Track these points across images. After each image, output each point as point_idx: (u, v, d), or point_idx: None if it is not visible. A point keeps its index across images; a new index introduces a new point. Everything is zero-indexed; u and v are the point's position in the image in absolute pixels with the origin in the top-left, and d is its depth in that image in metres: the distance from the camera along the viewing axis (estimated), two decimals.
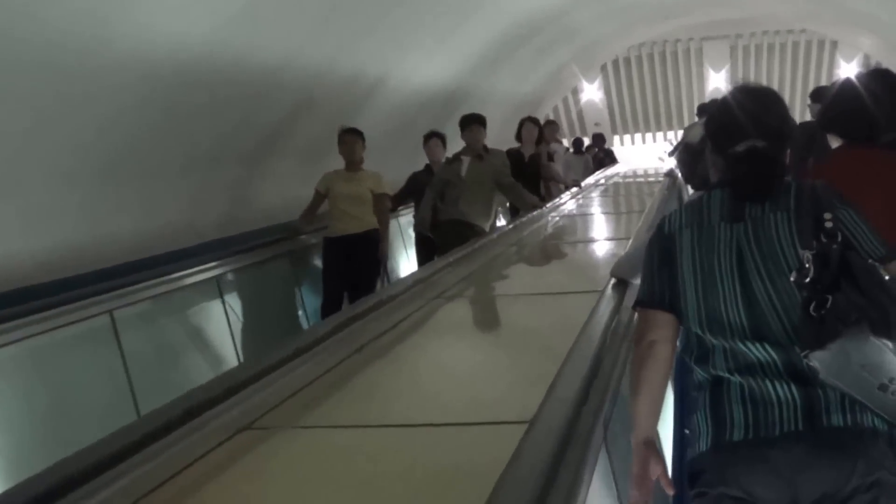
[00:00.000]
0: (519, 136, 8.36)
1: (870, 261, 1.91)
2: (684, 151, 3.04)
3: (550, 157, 8.46)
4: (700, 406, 1.93)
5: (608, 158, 14.30)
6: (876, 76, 2.86)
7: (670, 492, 1.98)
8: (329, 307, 6.22)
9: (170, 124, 5.57)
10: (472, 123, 6.79)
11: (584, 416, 1.92)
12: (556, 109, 18.80)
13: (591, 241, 6.34)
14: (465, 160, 6.70)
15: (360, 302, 3.73)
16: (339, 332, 3.16)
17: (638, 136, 19.58)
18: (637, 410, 1.99)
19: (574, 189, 8.86)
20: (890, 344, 1.82)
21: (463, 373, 2.84)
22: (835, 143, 2.92)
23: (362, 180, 6.46)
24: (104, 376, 4.49)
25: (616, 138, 19.44)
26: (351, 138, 6.49)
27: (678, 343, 2.07)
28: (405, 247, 8.50)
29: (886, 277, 1.91)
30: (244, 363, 3.22)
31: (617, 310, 2.85)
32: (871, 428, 1.83)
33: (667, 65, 18.75)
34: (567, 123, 18.90)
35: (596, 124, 18.40)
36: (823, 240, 1.88)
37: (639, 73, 18.92)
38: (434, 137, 7.43)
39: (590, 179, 10.91)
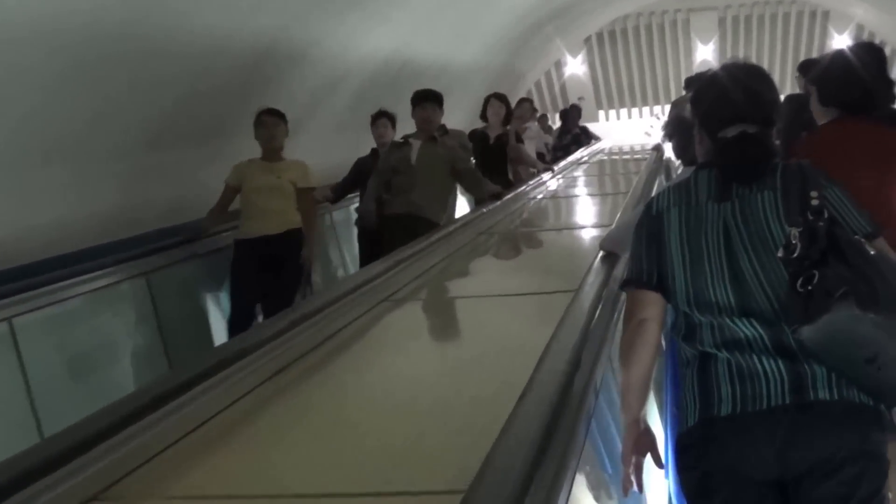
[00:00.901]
0: (484, 115, 7.84)
1: (855, 236, 2.02)
2: (678, 126, 3.10)
3: (520, 139, 7.92)
4: (687, 382, 2.04)
5: (585, 136, 13.27)
6: (864, 48, 2.98)
7: (660, 468, 2.09)
8: (238, 323, 5.37)
9: (96, 103, 5.15)
10: (424, 101, 6.10)
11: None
12: (538, 84, 18.88)
13: (572, 227, 5.87)
14: (416, 143, 6.03)
15: (280, 316, 3.13)
16: (244, 357, 2.59)
17: (623, 111, 19.72)
18: (627, 389, 2.10)
19: (546, 174, 8.35)
20: (877, 318, 1.91)
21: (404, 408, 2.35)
22: (823, 117, 3.04)
23: (283, 171, 5.64)
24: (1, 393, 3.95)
25: (601, 113, 19.56)
26: (271, 120, 5.67)
27: (667, 322, 2.18)
28: (340, 247, 7.64)
29: (872, 253, 2.02)
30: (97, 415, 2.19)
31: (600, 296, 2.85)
32: (857, 402, 1.94)
33: (653, 37, 18.88)
34: (550, 98, 19.01)
35: (580, 99, 18.48)
36: (810, 217, 1.98)
37: (624, 46, 19.04)
38: (382, 117, 6.82)
39: (571, 157, 10.94)
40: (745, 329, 1.99)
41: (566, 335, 2.34)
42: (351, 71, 8.61)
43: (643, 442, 2.08)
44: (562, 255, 4.83)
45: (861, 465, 1.91)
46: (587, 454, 1.97)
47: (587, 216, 6.67)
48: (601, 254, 3.33)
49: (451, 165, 5.98)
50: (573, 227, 5.78)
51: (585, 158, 11.02)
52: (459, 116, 10.07)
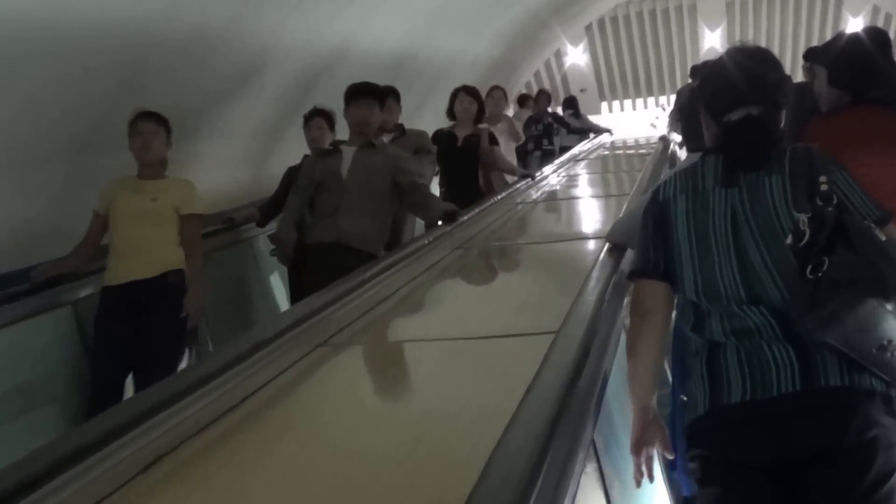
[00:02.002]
0: (451, 112, 6.99)
1: (865, 222, 2.11)
2: (684, 113, 3.16)
3: (494, 140, 7.01)
4: (697, 371, 2.14)
5: (560, 125, 11.85)
6: (870, 32, 3.09)
7: (670, 457, 2.19)
8: (102, 398, 4.07)
9: (16, 102, 4.67)
10: (358, 96, 5.08)
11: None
12: (537, 75, 18.94)
13: (565, 238, 5.06)
14: (348, 151, 4.99)
15: (166, 382, 2.55)
16: (113, 441, 2.12)
17: (628, 102, 19.78)
18: (635, 379, 2.20)
19: (523, 182, 7.36)
20: (888, 305, 2.00)
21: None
22: (831, 101, 3.13)
23: (161, 192, 4.51)
24: None
25: (604, 105, 19.63)
26: (148, 127, 4.55)
27: (674, 311, 2.27)
28: (266, 283, 6.37)
29: (883, 239, 2.12)
30: None
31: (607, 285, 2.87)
32: (868, 389, 2.03)
33: (657, 23, 18.94)
34: (551, 90, 19.07)
35: (581, 90, 18.57)
36: (819, 203, 2.07)
37: (627, 33, 19.10)
38: (317, 117, 5.81)
39: (573, 151, 10.88)
40: (755, 317, 2.08)
41: (535, 405, 1.91)
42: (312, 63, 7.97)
43: (652, 432, 2.17)
44: (551, 276, 4.13)
45: (871, 451, 1.99)
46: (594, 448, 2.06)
47: (582, 223, 6.03)
48: (594, 278, 2.98)
49: (393, 178, 4.94)
50: (566, 238, 4.98)
51: (583, 155, 10.87)
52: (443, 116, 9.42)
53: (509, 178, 7.38)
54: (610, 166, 10.18)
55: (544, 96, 12.25)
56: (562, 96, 18.53)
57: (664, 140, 9.06)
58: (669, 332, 2.30)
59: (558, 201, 7.11)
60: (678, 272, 2.19)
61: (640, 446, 2.17)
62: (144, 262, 4.40)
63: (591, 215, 6.10)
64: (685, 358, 2.22)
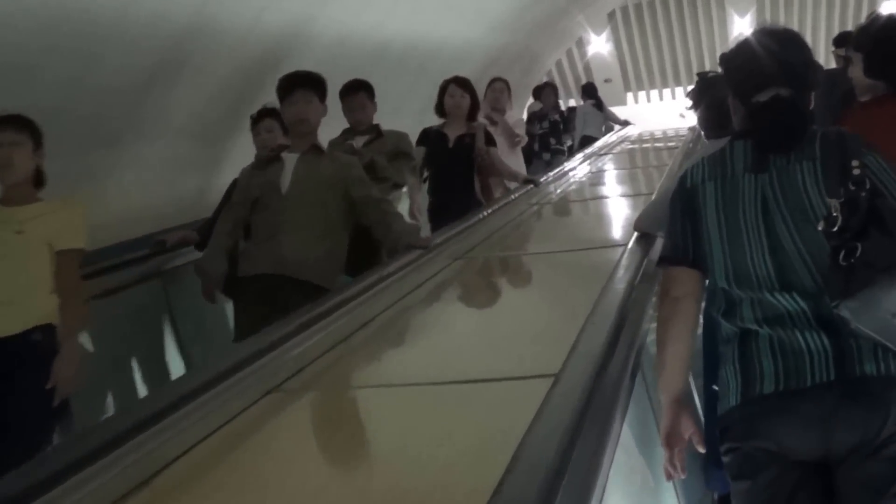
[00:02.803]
0: (440, 107, 6.31)
1: None
2: (704, 94, 3.21)
3: (491, 140, 6.35)
4: (728, 360, 2.17)
5: (565, 124, 11.10)
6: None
7: (702, 449, 2.23)
8: None
9: None
10: (292, 89, 4.25)
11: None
12: (559, 65, 18.96)
13: (581, 248, 4.58)
14: (290, 159, 4.25)
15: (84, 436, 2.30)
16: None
17: (654, 92, 19.75)
18: (665, 369, 2.24)
19: (525, 189, 6.68)
20: None
21: None
22: (867, 90, 3.15)
23: (28, 221, 3.63)
24: None
25: (629, 96, 19.61)
26: (7, 137, 3.67)
27: (704, 298, 2.31)
28: (190, 321, 5.18)
29: None
30: None
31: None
32: None
33: (684, 10, 18.89)
34: (574, 80, 19.07)
35: (606, 80, 18.55)
36: (851, 187, 2.10)
37: (652, 20, 19.06)
38: (267, 118, 5.03)
39: (597, 144, 10.70)
40: (787, 304, 2.12)
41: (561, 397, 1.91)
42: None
43: (684, 424, 2.21)
44: (561, 295, 3.76)
45: None
46: (624, 439, 2.10)
47: (603, 228, 5.65)
48: (605, 302, 2.71)
49: (343, 190, 4.20)
50: (583, 247, 4.58)
51: (605, 150, 10.65)
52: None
53: (510, 184, 6.79)
54: (637, 160, 10.05)
55: (550, 89, 11.58)
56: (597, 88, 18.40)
57: (695, 130, 9.05)
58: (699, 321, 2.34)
59: (576, 202, 6.86)
60: (708, 259, 2.23)
61: (670, 439, 2.21)
62: (3, 315, 3.50)
63: (613, 218, 5.78)
64: (716, 346, 2.25)
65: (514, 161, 7.28)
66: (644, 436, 2.41)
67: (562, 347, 2.24)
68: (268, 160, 4.35)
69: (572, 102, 14.35)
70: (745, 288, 2.17)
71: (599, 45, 19.06)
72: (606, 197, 7.15)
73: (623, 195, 6.97)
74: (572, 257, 4.40)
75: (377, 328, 3.30)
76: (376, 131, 5.59)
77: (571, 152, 10.66)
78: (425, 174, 6.26)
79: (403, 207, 5.70)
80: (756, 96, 2.24)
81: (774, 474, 2.10)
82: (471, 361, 2.81)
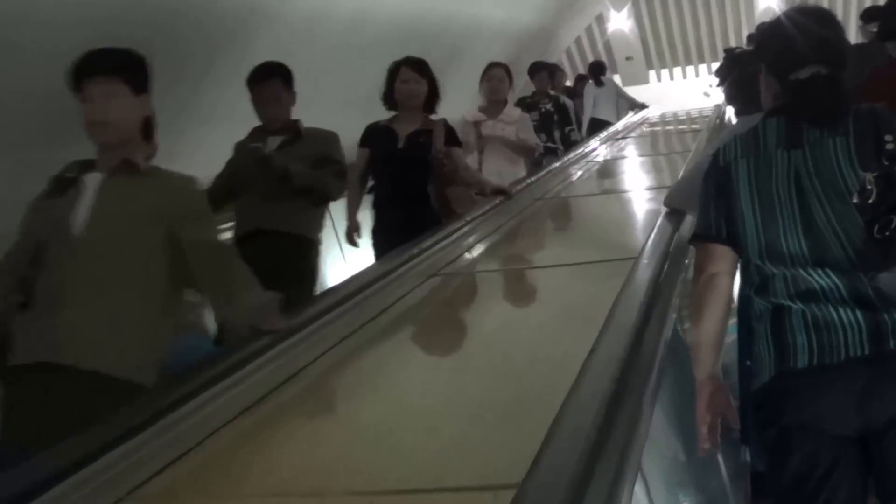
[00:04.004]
0: (389, 97, 5.26)
1: None
2: (733, 69, 3.31)
3: (453, 138, 5.26)
4: (762, 336, 2.29)
5: (561, 116, 9.35)
6: None
7: (736, 426, 2.35)
8: None
9: None
10: (89, 77, 2.91)
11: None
12: (578, 41, 18.99)
13: (583, 262, 4.12)
14: (92, 180, 2.92)
15: None
16: None
17: (678, 70, 19.77)
18: (700, 346, 2.36)
19: (493, 203, 5.46)
20: None
21: None
22: None
23: None
24: None
25: (652, 74, 19.63)
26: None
27: (738, 275, 2.43)
28: None
29: None
30: None
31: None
32: None
33: None
34: (594, 58, 19.11)
35: (627, 58, 18.59)
36: (885, 162, 2.22)
37: None
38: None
39: (616, 127, 10.38)
40: (820, 279, 2.23)
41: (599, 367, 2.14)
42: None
43: (718, 400, 2.33)
44: (551, 333, 3.26)
45: None
46: (656, 418, 2.23)
47: (612, 235, 4.89)
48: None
49: (165, 232, 2.88)
50: (586, 260, 4.14)
51: (623, 131, 10.45)
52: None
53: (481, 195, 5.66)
54: (660, 145, 9.94)
55: (545, 72, 9.83)
56: (607, 67, 18.33)
57: (718, 109, 9.11)
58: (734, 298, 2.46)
59: (583, 198, 6.40)
60: (741, 235, 2.34)
61: (705, 415, 2.32)
62: None
63: (624, 221, 5.23)
64: (750, 323, 2.37)
65: (513, 166, 6.65)
66: (678, 410, 2.53)
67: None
68: (63, 181, 3.01)
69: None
70: (778, 264, 2.28)
71: (620, 21, 19.07)
72: (616, 191, 6.74)
73: (633, 190, 6.57)
74: (562, 273, 4.05)
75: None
76: (294, 130, 4.55)
77: (568, 142, 9.83)
78: (369, 184, 5.28)
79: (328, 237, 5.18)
80: (794, 74, 2.35)
81: (811, 449, 2.21)
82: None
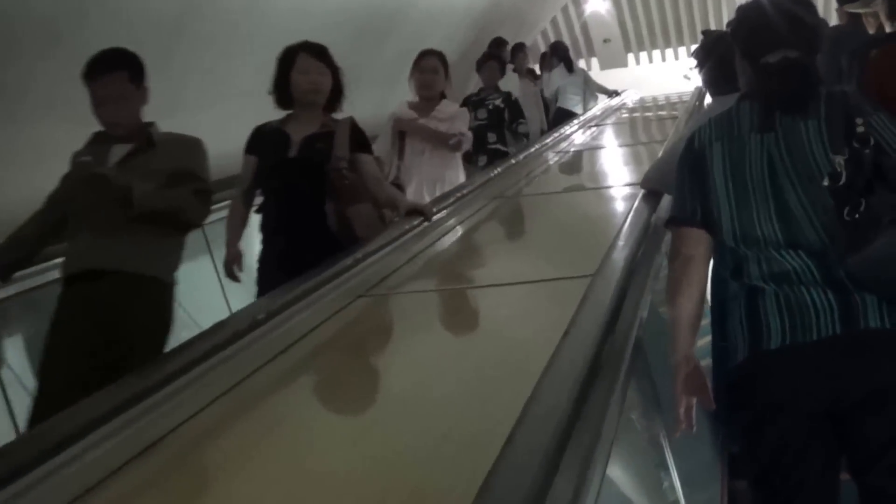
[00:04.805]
0: (281, 92, 4.38)
1: None
2: (711, 53, 3.40)
3: (361, 143, 4.40)
4: (736, 317, 2.41)
5: (512, 111, 8.02)
6: None
7: (711, 407, 2.47)
8: None
9: None
10: None
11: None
12: (554, 23, 19.03)
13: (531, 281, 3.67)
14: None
15: None
16: None
17: (657, 53, 19.87)
18: (675, 327, 2.47)
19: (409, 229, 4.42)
20: None
21: None
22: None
23: None
24: None
25: (630, 57, 19.71)
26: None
27: (713, 258, 2.55)
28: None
29: None
30: None
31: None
32: None
33: None
34: (570, 41, 19.16)
35: (605, 41, 18.67)
36: (856, 145, 2.33)
37: None
38: None
39: (587, 116, 9.95)
40: (793, 261, 2.35)
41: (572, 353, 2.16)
42: None
43: (693, 381, 2.44)
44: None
45: None
46: (633, 397, 2.34)
47: (561, 255, 4.18)
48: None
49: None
50: (535, 279, 3.70)
51: (596, 118, 10.12)
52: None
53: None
54: (638, 131, 9.74)
55: (494, 62, 8.63)
56: (584, 49, 18.24)
57: (698, 90, 9.17)
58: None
59: (548, 196, 5.92)
60: (716, 218, 2.46)
61: (681, 396, 2.44)
62: None
63: (592, 226, 4.71)
64: (724, 305, 2.49)
65: (453, 171, 5.91)
66: (653, 392, 2.64)
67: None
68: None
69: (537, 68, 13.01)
70: (751, 246, 2.40)
71: (597, 2, 19.12)
72: (591, 188, 6.28)
73: (601, 187, 6.10)
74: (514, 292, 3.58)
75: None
76: (143, 138, 3.72)
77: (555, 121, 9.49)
78: (252, 207, 4.46)
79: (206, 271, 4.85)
80: (765, 57, 2.46)
81: (784, 428, 2.34)
82: None
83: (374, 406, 2.79)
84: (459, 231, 4.91)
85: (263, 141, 4.37)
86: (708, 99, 5.42)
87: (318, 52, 4.34)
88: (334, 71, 4.37)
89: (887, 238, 2.26)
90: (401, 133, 5.85)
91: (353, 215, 4.25)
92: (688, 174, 2.53)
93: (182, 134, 3.81)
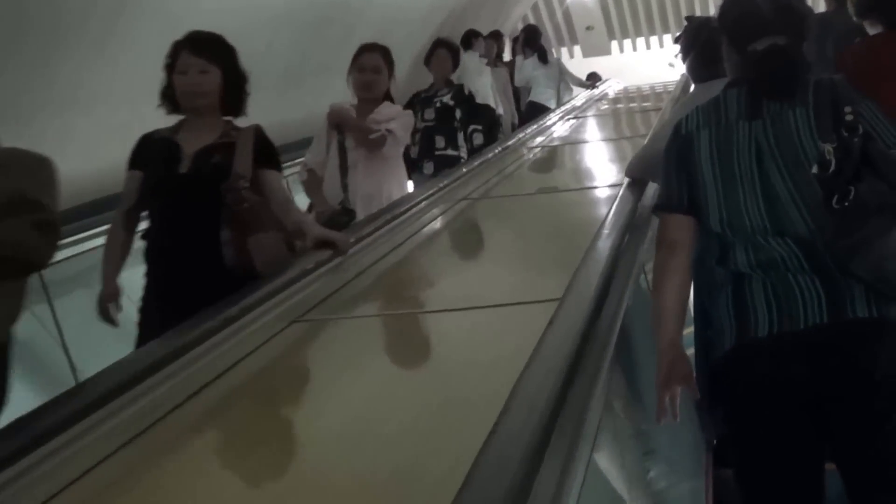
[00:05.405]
0: (168, 96, 3.74)
1: (891, 151, 2.42)
2: (696, 39, 3.43)
3: (269, 155, 3.75)
4: (722, 305, 2.46)
5: (467, 111, 6.96)
6: None
7: (696, 395, 2.51)
8: None
9: None
10: None
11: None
12: (535, 9, 19.02)
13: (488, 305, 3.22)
14: None
15: None
16: None
17: (641, 40, 19.92)
18: (662, 314, 2.51)
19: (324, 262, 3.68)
20: None
21: None
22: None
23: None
24: None
25: (614, 45, 19.74)
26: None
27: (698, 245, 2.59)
28: None
29: None
30: None
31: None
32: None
33: None
34: (552, 29, 19.19)
35: (587, 28, 18.70)
36: (844, 133, 2.38)
37: None
38: None
39: (565, 109, 9.65)
40: (780, 248, 2.40)
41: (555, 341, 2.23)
42: None
43: (678, 369, 2.48)
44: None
45: None
46: (617, 384, 2.39)
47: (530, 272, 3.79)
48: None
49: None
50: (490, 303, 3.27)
51: (576, 112, 9.72)
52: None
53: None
54: (621, 125, 9.46)
55: (444, 51, 7.20)
56: (566, 37, 18.20)
57: (683, 78, 9.18)
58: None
59: (516, 198, 5.38)
60: (702, 205, 2.50)
61: (666, 384, 2.47)
62: None
63: (566, 235, 4.23)
64: (710, 292, 2.54)
65: (392, 185, 5.17)
66: (637, 380, 2.69)
67: None
68: None
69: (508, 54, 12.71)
70: (738, 234, 2.44)
71: None
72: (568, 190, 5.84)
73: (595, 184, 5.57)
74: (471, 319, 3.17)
75: None
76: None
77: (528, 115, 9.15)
78: (141, 227, 3.79)
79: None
80: (752, 45, 2.51)
81: (770, 415, 2.39)
82: None
83: (308, 446, 2.42)
84: (414, 242, 4.41)
85: (150, 153, 3.71)
86: (693, 86, 5.46)
87: (201, 45, 3.65)
88: (227, 67, 3.67)
89: (875, 227, 2.31)
90: (341, 145, 5.07)
91: (254, 246, 3.60)
92: (675, 161, 2.58)
93: (21, 150, 2.93)
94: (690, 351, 2.64)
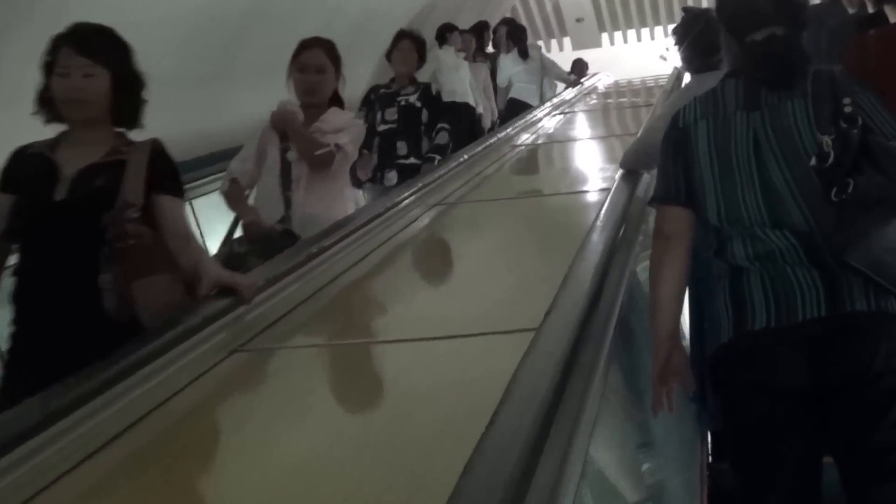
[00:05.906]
0: (45, 103, 3.07)
1: (891, 143, 2.46)
2: (691, 29, 3.48)
3: (169, 174, 3.10)
4: (719, 297, 2.50)
5: (429, 109, 6.22)
6: None
7: (692, 388, 2.55)
8: None
9: None
10: None
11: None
12: (524, 2, 19.01)
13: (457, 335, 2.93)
14: None
15: None
16: None
17: (632, 32, 19.91)
18: (658, 306, 2.55)
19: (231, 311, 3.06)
20: None
21: None
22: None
23: None
24: None
25: (605, 37, 19.72)
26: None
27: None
28: None
29: None
30: None
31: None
32: (894, 313, 2.39)
33: None
34: (542, 21, 19.17)
35: (577, 20, 18.69)
36: (843, 125, 2.42)
37: None
38: None
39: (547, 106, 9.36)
40: (778, 240, 2.43)
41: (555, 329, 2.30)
42: None
43: (675, 361, 2.52)
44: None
45: None
46: (614, 377, 2.41)
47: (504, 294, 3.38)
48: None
49: None
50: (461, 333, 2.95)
51: (562, 108, 9.58)
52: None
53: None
54: (613, 124, 9.29)
55: (408, 42, 6.36)
56: (556, 29, 18.21)
57: (675, 71, 9.21)
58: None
59: (495, 202, 5.10)
60: (700, 197, 2.54)
61: (662, 376, 2.51)
62: None
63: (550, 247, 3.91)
64: (707, 285, 2.57)
65: (342, 201, 4.64)
66: (633, 372, 2.72)
67: None
68: None
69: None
70: (736, 226, 2.48)
71: None
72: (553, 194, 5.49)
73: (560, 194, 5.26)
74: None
75: None
76: None
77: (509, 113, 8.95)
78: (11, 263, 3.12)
79: None
80: (751, 35, 2.54)
81: (766, 409, 2.43)
82: None
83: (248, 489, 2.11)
84: (379, 256, 4.06)
85: (23, 172, 3.06)
86: (686, 78, 5.47)
87: (84, 43, 3.01)
88: (117, 68, 3.03)
89: (874, 220, 2.36)
90: (283, 154, 4.47)
91: (140, 293, 2.94)
92: (672, 152, 2.61)
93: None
94: (684, 343, 2.68)
